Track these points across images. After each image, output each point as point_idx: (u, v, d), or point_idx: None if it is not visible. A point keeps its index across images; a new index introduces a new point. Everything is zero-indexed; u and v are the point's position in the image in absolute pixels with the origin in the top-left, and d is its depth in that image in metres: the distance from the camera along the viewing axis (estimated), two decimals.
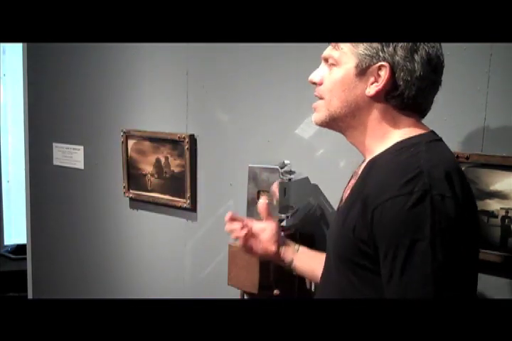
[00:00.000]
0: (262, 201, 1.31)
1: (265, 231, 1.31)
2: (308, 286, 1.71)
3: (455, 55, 1.39)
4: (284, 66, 1.75)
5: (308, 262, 1.32)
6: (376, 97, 1.03)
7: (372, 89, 1.02)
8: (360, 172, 1.08)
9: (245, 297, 1.63)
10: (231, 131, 1.92)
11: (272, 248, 1.30)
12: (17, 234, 3.87)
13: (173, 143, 2.04)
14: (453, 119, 1.41)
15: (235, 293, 1.67)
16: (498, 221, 1.36)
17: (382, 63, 1.00)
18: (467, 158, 1.37)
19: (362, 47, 1.01)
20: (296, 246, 1.34)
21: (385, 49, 0.99)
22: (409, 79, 1.00)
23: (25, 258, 2.85)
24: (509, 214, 1.35)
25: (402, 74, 1.00)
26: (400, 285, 0.91)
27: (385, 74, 1.00)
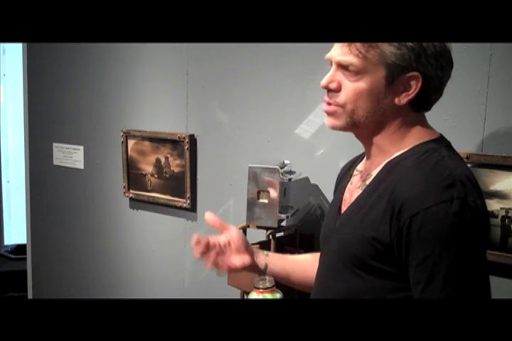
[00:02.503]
0: (209, 215, 1.19)
1: (232, 241, 1.19)
2: None
3: (455, 55, 1.38)
4: (284, 66, 1.75)
5: (282, 265, 1.27)
6: (405, 105, 1.03)
7: (403, 99, 1.01)
8: (374, 173, 1.07)
9: (245, 297, 1.63)
10: (231, 131, 1.92)
11: (246, 257, 1.20)
12: (17, 234, 3.87)
13: (173, 143, 2.04)
14: (453, 119, 1.41)
15: (235, 293, 1.67)
16: (498, 221, 1.36)
17: (414, 73, 0.99)
18: (467, 158, 1.37)
19: (392, 57, 0.98)
20: (265, 252, 1.28)
21: (417, 59, 0.98)
22: (437, 85, 1.01)
23: (25, 258, 2.85)
24: (509, 214, 1.35)
25: (431, 81, 1.00)
26: (443, 291, 0.92)
27: (416, 83, 0.99)
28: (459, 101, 1.41)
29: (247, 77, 1.86)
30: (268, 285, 1.23)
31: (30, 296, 2.82)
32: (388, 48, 0.98)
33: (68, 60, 2.42)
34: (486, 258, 0.98)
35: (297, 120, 1.74)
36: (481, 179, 1.37)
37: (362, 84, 1.00)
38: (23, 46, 2.63)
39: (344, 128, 1.06)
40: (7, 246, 3.85)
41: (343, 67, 1.02)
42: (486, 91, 1.37)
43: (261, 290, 1.21)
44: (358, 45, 0.99)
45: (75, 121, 2.45)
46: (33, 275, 2.79)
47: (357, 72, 1.00)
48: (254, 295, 1.20)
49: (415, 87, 1.00)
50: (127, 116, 2.23)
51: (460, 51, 1.38)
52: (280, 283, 1.26)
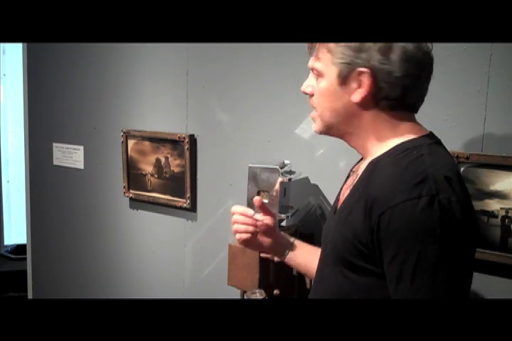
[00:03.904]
0: (257, 198, 1.29)
1: (265, 225, 1.29)
2: (308, 286, 1.71)
3: (455, 55, 1.39)
4: (284, 66, 1.75)
5: (303, 255, 1.32)
6: (364, 102, 1.03)
7: (357, 96, 1.03)
8: (360, 172, 1.08)
9: (245, 297, 1.63)
10: (231, 131, 1.92)
11: (268, 240, 1.29)
12: (17, 234, 3.87)
13: (173, 143, 2.04)
14: (453, 119, 1.41)
15: (235, 293, 1.67)
16: (498, 221, 1.36)
17: (361, 69, 1.01)
18: (467, 158, 1.37)
19: (337, 56, 1.02)
20: (292, 239, 1.34)
21: (358, 55, 1.00)
22: (390, 80, 1.01)
23: (25, 258, 2.85)
24: (509, 214, 1.35)
25: (382, 76, 1.00)
26: (411, 289, 0.91)
27: (366, 79, 1.01)
28: (459, 101, 1.41)
29: (247, 77, 1.86)
30: (259, 296, 1.31)
31: (30, 296, 2.82)
32: (333, 47, 1.02)
33: (68, 60, 2.42)
34: (466, 256, 0.95)
35: (297, 120, 1.74)
36: (481, 179, 1.37)
37: (322, 86, 1.06)
38: (23, 46, 2.62)
39: (323, 132, 1.11)
40: (7, 246, 3.85)
41: (312, 71, 1.09)
42: (486, 91, 1.37)
43: None
44: (316, 47, 1.05)
45: (75, 121, 2.45)
46: (33, 275, 2.79)
47: (318, 75, 1.06)
48: None
49: (366, 82, 1.01)
50: (127, 116, 2.23)
51: (460, 51, 1.38)
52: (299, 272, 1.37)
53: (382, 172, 1.00)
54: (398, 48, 0.99)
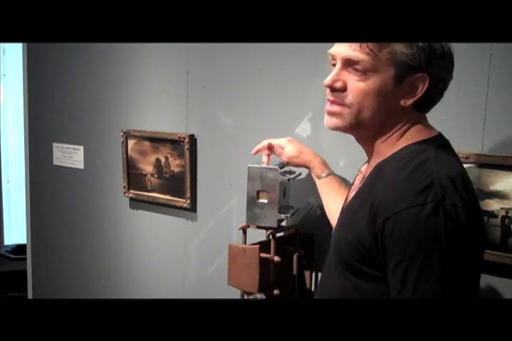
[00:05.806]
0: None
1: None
2: (308, 286, 1.71)
3: (455, 55, 1.38)
4: (284, 66, 1.75)
5: (326, 193, 1.44)
6: (411, 106, 1.01)
7: (408, 100, 0.99)
8: (367, 174, 1.07)
9: (245, 297, 1.63)
10: (231, 131, 1.92)
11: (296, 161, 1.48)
12: (17, 234, 3.88)
13: (173, 143, 2.04)
14: (453, 119, 1.41)
15: (235, 293, 1.67)
16: (498, 221, 1.36)
17: (422, 74, 0.97)
18: (467, 158, 1.37)
19: (403, 56, 0.96)
20: (324, 174, 1.42)
21: (427, 60, 0.96)
22: (442, 87, 1.00)
23: (25, 258, 2.85)
24: (509, 214, 1.35)
25: (438, 83, 0.99)
26: (414, 295, 0.90)
27: (423, 85, 0.98)
28: (459, 101, 1.40)
29: (247, 77, 1.86)
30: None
31: (30, 296, 2.81)
32: (399, 47, 0.96)
33: (68, 60, 2.42)
34: (472, 262, 0.93)
35: (297, 120, 1.74)
36: (481, 179, 1.37)
37: (370, 84, 0.98)
38: (23, 46, 2.62)
39: (346, 129, 1.04)
40: (7, 246, 3.85)
41: (350, 65, 0.99)
42: (486, 91, 1.37)
43: None
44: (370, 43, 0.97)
45: (75, 121, 2.45)
46: (33, 275, 2.79)
47: (365, 71, 0.97)
48: None
49: (421, 88, 0.98)
50: (127, 116, 2.23)
51: (460, 51, 1.37)
52: None
53: (388, 177, 0.98)
54: (451, 55, 0.98)
